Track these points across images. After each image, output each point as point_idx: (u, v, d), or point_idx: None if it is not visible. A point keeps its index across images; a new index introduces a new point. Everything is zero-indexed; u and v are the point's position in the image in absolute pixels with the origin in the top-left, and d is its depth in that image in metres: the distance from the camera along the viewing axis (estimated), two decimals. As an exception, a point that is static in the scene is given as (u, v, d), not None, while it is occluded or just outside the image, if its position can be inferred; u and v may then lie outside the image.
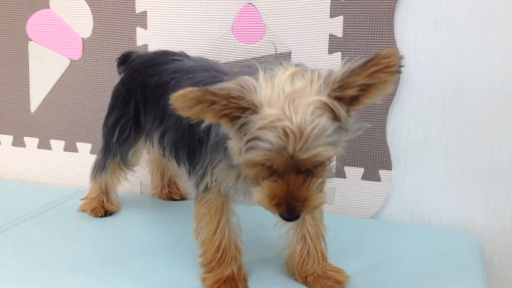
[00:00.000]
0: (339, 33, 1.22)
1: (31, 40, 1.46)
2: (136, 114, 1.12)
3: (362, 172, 1.27)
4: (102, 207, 1.25)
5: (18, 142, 1.53)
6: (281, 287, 0.94)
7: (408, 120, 1.23)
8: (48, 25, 1.43)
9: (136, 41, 1.37)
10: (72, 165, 1.49)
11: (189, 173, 0.98)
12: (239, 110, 0.72)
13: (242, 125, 0.73)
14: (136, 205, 1.34)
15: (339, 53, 1.23)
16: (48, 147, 1.51)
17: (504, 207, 1.21)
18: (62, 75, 1.45)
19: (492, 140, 1.19)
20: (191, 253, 0.99)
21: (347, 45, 1.22)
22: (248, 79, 0.74)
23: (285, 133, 0.70)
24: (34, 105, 1.49)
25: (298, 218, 0.77)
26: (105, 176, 1.23)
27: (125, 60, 1.20)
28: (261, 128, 0.71)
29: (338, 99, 0.73)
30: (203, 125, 0.88)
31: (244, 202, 0.95)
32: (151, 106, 1.07)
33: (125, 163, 1.19)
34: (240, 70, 0.86)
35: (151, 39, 1.36)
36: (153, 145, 1.10)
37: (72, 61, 1.43)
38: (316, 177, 0.76)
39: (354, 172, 1.27)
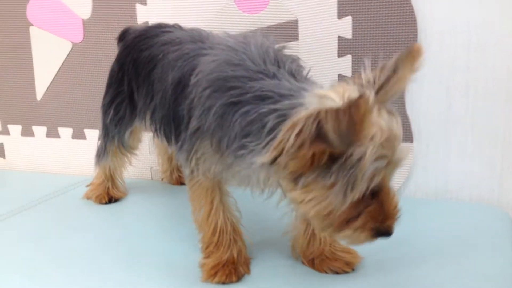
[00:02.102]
0: (347, -5, 1.12)
1: (32, 25, 1.41)
2: (130, 92, 1.05)
3: (381, 146, 1.17)
4: (107, 194, 1.20)
5: (27, 132, 1.49)
6: (286, 271, 0.86)
7: (428, 85, 1.12)
8: (48, 8, 1.38)
9: (136, 18, 1.30)
10: (80, 153, 1.44)
11: (176, 153, 0.91)
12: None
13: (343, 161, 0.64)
14: (144, 190, 1.28)
15: (350, 17, 1.13)
16: (56, 135, 1.46)
17: (540, 177, 1.09)
18: (65, 60, 1.40)
19: (523, 102, 1.08)
20: (192, 238, 0.92)
21: (358, 8, 1.12)
22: None
23: (392, 142, 0.66)
24: (40, 92, 1.45)
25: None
26: (108, 161, 1.17)
27: (123, 37, 1.14)
28: (376, 152, 0.64)
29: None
30: (184, 104, 0.82)
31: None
32: (142, 83, 1.00)
33: (124, 146, 1.13)
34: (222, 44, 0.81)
35: (151, 15, 1.29)
36: (145, 124, 1.03)
37: (74, 44, 1.38)
38: None
39: (372, 146, 1.17)
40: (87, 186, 1.23)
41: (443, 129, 1.13)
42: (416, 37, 1.09)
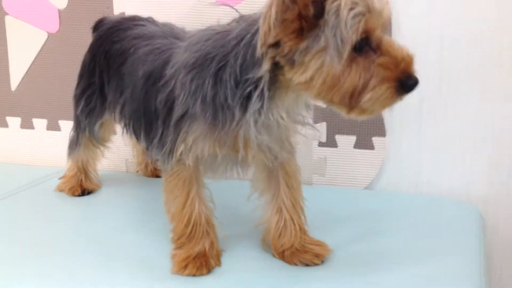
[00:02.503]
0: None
1: (8, 14, 1.39)
2: (101, 84, 1.04)
3: (354, 140, 1.18)
4: (80, 186, 1.19)
5: (1, 123, 1.47)
6: (257, 263, 0.87)
7: (402, 80, 1.13)
8: (23, -3, 1.37)
9: (113, 9, 1.29)
10: (55, 144, 1.42)
11: (147, 149, 0.91)
12: None
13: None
14: (118, 183, 1.27)
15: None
16: (31, 126, 1.45)
17: (509, 172, 1.11)
18: (41, 50, 1.38)
19: (495, 97, 1.10)
20: (165, 230, 0.92)
21: None
22: None
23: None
24: (14, 82, 1.43)
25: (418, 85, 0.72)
26: (80, 153, 1.16)
27: (97, 27, 1.13)
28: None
29: None
30: (160, 97, 0.82)
31: (216, 176, 0.88)
32: (113, 76, 0.99)
33: (95, 138, 1.12)
34: (197, 34, 0.81)
35: (128, 6, 1.28)
36: (115, 118, 1.03)
37: (49, 35, 1.37)
38: None
39: (345, 141, 1.19)
40: (60, 178, 1.22)
41: (416, 123, 1.15)
42: (390, 29, 1.10)
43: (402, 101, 1.08)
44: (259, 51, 0.71)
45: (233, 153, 0.80)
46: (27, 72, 1.41)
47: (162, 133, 0.84)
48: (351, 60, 0.69)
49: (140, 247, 0.92)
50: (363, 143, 1.17)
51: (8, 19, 1.39)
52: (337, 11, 0.67)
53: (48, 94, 1.40)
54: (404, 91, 0.71)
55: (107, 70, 1.02)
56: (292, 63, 0.70)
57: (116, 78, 0.98)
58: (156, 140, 0.85)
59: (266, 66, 0.72)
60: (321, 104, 0.81)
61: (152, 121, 0.86)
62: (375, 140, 1.16)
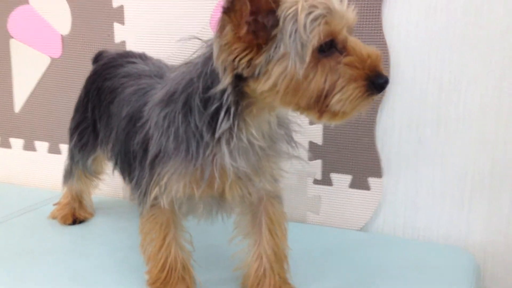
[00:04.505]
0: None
1: (12, 37, 1.40)
2: (93, 120, 1.04)
3: (350, 180, 1.15)
4: (72, 215, 1.19)
5: (5, 143, 1.49)
6: (234, 311, 0.84)
7: (399, 120, 1.10)
8: (28, 21, 1.38)
9: (114, 37, 1.29)
10: (56, 167, 1.42)
11: (132, 189, 0.89)
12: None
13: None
14: (112, 212, 1.26)
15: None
16: (33, 148, 1.46)
17: (508, 220, 1.07)
18: (44, 74, 1.39)
19: (494, 142, 1.05)
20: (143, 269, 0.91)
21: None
22: None
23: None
24: (18, 105, 1.45)
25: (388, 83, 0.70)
26: (74, 183, 1.16)
27: (96, 61, 1.13)
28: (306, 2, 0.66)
29: None
30: (138, 138, 0.81)
31: (197, 217, 0.87)
32: (103, 113, 0.99)
33: (88, 171, 1.12)
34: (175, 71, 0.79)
35: (129, 36, 1.28)
36: (106, 155, 1.02)
37: (52, 59, 1.37)
38: None
39: (341, 180, 1.16)
40: (54, 204, 1.22)
41: (413, 165, 1.11)
42: (388, 72, 1.08)
43: (399, 142, 1.09)
44: (216, 66, 0.71)
45: (211, 191, 0.78)
46: (30, 95, 1.42)
47: (138, 175, 0.82)
48: (316, 62, 0.67)
49: (115, 284, 0.91)
50: (359, 183, 1.14)
51: (12, 42, 1.41)
52: (295, 16, 0.66)
53: (50, 117, 1.41)
54: (375, 90, 0.69)
55: (98, 107, 1.02)
56: (255, 73, 0.69)
57: (106, 116, 0.98)
58: (133, 182, 0.84)
59: (227, 79, 0.70)
60: (296, 117, 0.81)
61: (131, 163, 0.85)
62: (371, 180, 1.13)
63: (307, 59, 0.66)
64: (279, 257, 0.86)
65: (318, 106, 0.69)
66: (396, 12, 1.06)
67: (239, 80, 0.71)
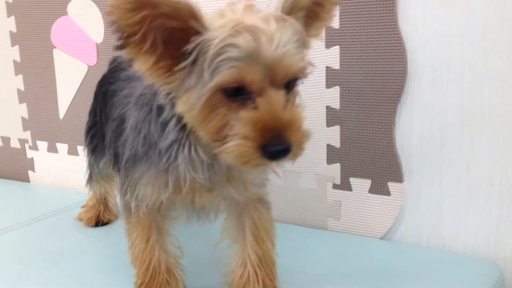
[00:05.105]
0: (336, 24, 1.05)
1: (55, 47, 1.47)
2: (102, 124, 1.06)
3: (369, 185, 1.09)
4: (97, 217, 1.21)
5: (52, 148, 1.56)
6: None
7: (420, 122, 1.03)
8: (67, 31, 1.44)
9: (142, 44, 1.31)
10: (95, 171, 1.48)
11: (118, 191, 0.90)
12: (186, 26, 0.62)
13: (195, 56, 0.63)
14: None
15: (337, 47, 1.06)
16: (76, 153, 1.52)
17: (543, 231, 0.96)
18: (82, 82, 1.45)
19: (525, 144, 0.95)
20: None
21: (345, 36, 1.05)
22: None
23: (254, 36, 0.61)
24: (62, 111, 1.51)
25: (284, 155, 0.63)
26: (94, 186, 1.19)
27: (109, 65, 1.15)
28: (223, 40, 0.61)
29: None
30: (121, 140, 0.81)
31: (178, 221, 0.85)
32: (107, 116, 1.00)
33: (103, 174, 1.14)
34: None
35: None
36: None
37: (89, 67, 1.42)
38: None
39: (360, 184, 1.10)
40: (82, 207, 1.26)
41: (436, 170, 1.03)
42: (406, 70, 1.00)
43: (420, 144, 1.01)
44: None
45: (180, 198, 0.77)
46: (71, 102, 1.48)
47: (120, 177, 0.83)
48: (220, 103, 0.63)
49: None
50: (379, 188, 1.08)
51: (55, 52, 1.47)
52: (206, 52, 0.61)
53: (88, 123, 1.46)
54: (265, 157, 0.62)
55: (104, 110, 1.03)
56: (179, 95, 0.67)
57: (110, 120, 0.99)
58: (119, 184, 0.85)
59: (163, 91, 0.68)
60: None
61: (119, 165, 0.85)
62: (391, 185, 1.06)
63: (204, 99, 0.63)
64: (264, 263, 0.83)
65: (218, 144, 0.65)
66: (412, 4, 0.99)
67: None
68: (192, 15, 0.61)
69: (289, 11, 0.67)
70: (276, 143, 0.62)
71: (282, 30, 0.63)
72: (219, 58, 0.61)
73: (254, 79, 0.62)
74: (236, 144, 0.62)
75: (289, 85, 0.65)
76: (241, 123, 0.62)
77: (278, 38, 0.61)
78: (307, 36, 0.70)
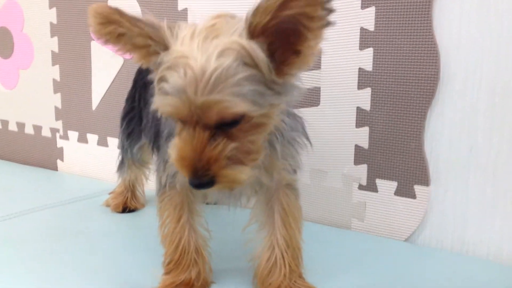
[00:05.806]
0: (370, 26, 1.08)
1: (93, 40, 1.52)
2: (140, 109, 1.09)
3: (395, 187, 1.10)
4: (124, 203, 1.24)
5: (82, 138, 1.60)
6: (243, 299, 0.83)
7: (449, 126, 1.04)
8: (106, 25, 1.48)
9: (178, 39, 1.35)
10: (123, 163, 1.51)
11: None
12: (150, 41, 0.68)
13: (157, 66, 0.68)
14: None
15: (371, 49, 1.08)
16: (105, 144, 1.55)
17: None
18: (117, 74, 1.48)
19: (554, 155, 0.96)
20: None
21: (379, 38, 1.07)
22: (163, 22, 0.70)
23: (185, 72, 0.62)
24: (95, 103, 1.55)
25: (206, 187, 0.67)
26: (125, 173, 1.22)
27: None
28: (168, 67, 0.65)
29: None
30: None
31: (215, 201, 0.87)
32: (147, 101, 1.03)
33: (135, 159, 1.17)
34: None
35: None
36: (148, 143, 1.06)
37: (125, 60, 1.46)
38: (231, 140, 0.66)
39: (386, 186, 1.11)
40: (110, 193, 1.29)
41: (463, 175, 1.04)
42: (438, 74, 1.02)
43: (448, 149, 1.02)
44: None
45: None
46: (105, 93, 1.52)
47: (158, 154, 0.85)
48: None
49: (137, 267, 0.93)
50: (405, 191, 1.09)
51: (93, 45, 1.52)
52: (156, 73, 0.67)
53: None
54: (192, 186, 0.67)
55: (144, 96, 1.06)
56: None
57: (147, 104, 1.02)
58: (156, 162, 0.87)
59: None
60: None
61: (159, 141, 0.88)
62: (417, 188, 1.07)
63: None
64: (291, 249, 0.84)
65: None
66: (448, 10, 1.01)
67: None
68: (150, 36, 0.68)
69: (256, 33, 0.63)
70: (190, 178, 0.66)
71: (222, 63, 0.61)
72: (160, 86, 0.66)
73: (183, 115, 0.65)
74: (172, 156, 0.69)
75: (227, 124, 0.65)
76: (173, 147, 0.69)
77: (210, 75, 0.61)
78: (280, 65, 0.65)
